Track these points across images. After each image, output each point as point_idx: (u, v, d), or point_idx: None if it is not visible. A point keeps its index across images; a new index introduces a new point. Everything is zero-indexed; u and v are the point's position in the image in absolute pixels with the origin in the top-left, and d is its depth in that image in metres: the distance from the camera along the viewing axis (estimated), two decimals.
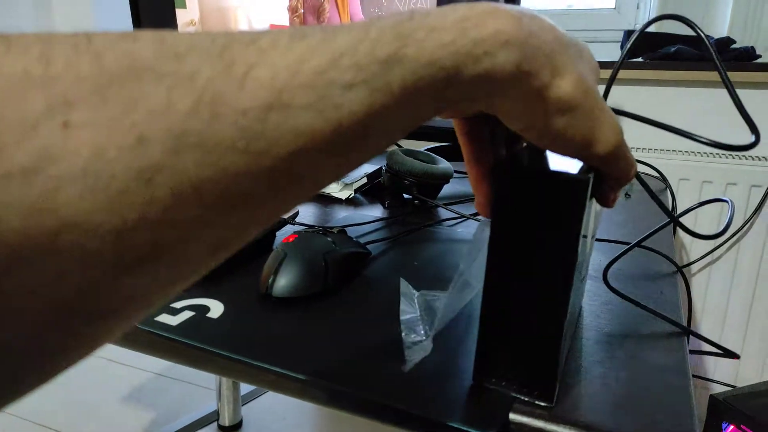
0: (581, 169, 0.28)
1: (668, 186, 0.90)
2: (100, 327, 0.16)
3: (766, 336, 1.15)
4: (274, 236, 0.57)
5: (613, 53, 1.30)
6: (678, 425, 0.31)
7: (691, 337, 0.42)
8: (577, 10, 1.42)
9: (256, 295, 0.45)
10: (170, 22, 0.85)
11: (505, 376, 0.32)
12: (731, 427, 0.93)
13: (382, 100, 0.18)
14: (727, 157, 1.13)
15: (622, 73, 1.17)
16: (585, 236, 0.30)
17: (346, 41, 0.18)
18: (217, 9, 0.84)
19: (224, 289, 0.46)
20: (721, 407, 0.95)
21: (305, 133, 0.17)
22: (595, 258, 0.56)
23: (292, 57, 0.17)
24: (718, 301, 1.17)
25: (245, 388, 1.39)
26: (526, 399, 0.32)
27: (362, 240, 0.57)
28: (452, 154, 0.85)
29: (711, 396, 0.98)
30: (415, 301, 0.43)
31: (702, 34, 0.41)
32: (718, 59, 0.39)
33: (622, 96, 1.22)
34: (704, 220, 1.13)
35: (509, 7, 0.22)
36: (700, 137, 0.32)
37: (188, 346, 0.39)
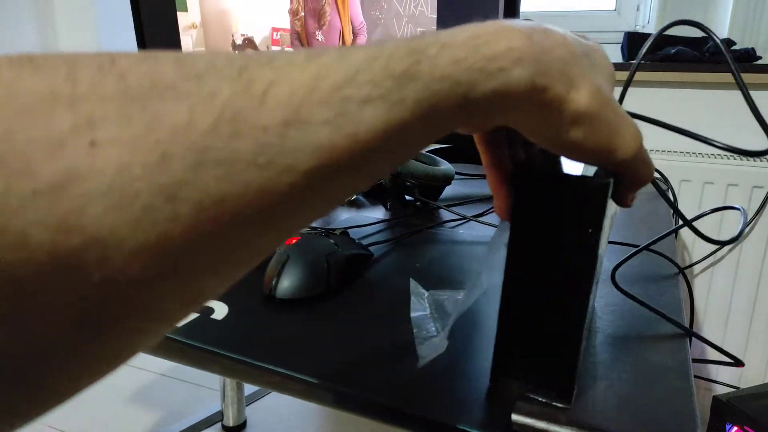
0: (600, 172, 0.28)
1: (670, 187, 0.90)
2: (123, 342, 0.17)
3: None
4: None
5: (614, 55, 1.30)
6: (680, 426, 0.31)
7: (696, 340, 0.42)
8: (578, 12, 1.42)
9: (259, 297, 0.46)
10: (172, 26, 0.86)
11: (522, 376, 0.32)
12: (735, 428, 0.92)
13: (399, 116, 0.19)
14: (728, 158, 1.13)
15: (622, 75, 1.17)
16: (604, 234, 0.30)
17: (361, 58, 0.19)
18: (218, 12, 0.84)
19: (228, 291, 0.46)
20: (725, 408, 0.95)
21: (324, 148, 0.17)
22: None
23: (308, 74, 0.17)
24: (721, 303, 1.17)
25: (249, 388, 1.39)
26: (544, 400, 0.32)
27: (364, 242, 0.57)
28: (453, 155, 0.85)
29: (714, 397, 0.98)
30: (425, 300, 0.43)
31: (717, 40, 0.41)
32: (733, 64, 0.39)
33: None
34: (706, 222, 1.13)
35: (519, 23, 0.22)
36: (718, 142, 0.32)
37: (193, 347, 0.39)
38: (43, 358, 0.15)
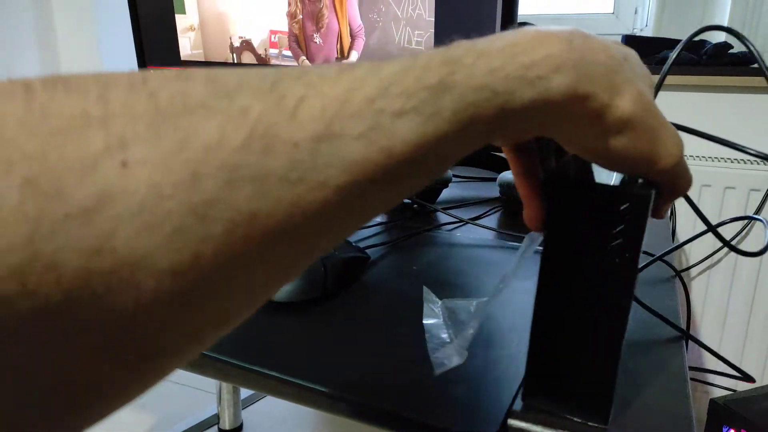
0: (638, 182, 0.26)
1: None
2: (155, 364, 0.16)
3: (766, 340, 1.15)
4: None
5: None
6: (676, 429, 0.31)
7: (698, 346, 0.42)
8: (575, 15, 1.42)
9: None
10: (170, 28, 0.86)
11: (556, 396, 0.31)
12: (731, 431, 0.93)
13: (434, 128, 0.18)
14: (725, 161, 1.13)
15: None
16: None
17: (393, 70, 0.18)
18: (216, 14, 0.84)
19: None
20: (722, 411, 0.95)
21: (357, 162, 0.17)
22: None
23: (341, 88, 0.17)
24: (718, 305, 1.17)
25: (245, 391, 1.39)
26: (579, 420, 0.30)
27: (361, 244, 0.57)
28: None
29: (711, 400, 0.98)
30: (438, 308, 0.43)
31: (750, 45, 0.41)
32: (766, 69, 0.38)
33: None
34: (702, 228, 1.13)
35: (558, 29, 0.21)
36: (748, 148, 0.31)
37: None
38: (76, 382, 0.15)
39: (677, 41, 1.20)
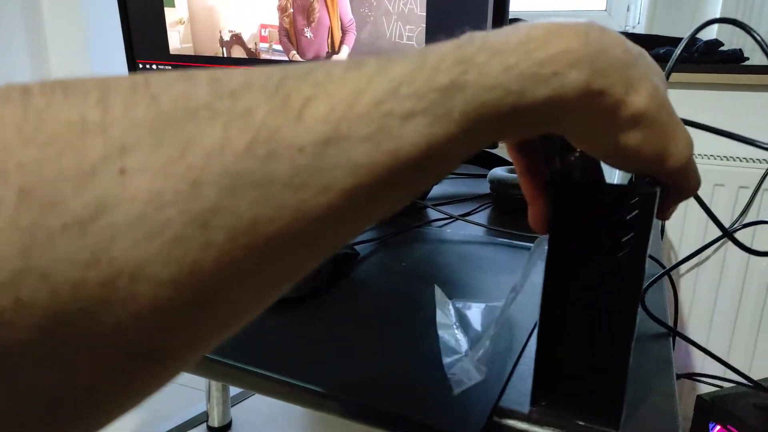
0: (644, 181, 0.26)
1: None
2: (157, 372, 0.16)
3: (753, 336, 1.16)
4: None
5: None
6: (661, 426, 0.31)
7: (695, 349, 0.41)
8: (568, 12, 1.42)
9: None
10: (159, 21, 0.85)
11: (565, 401, 0.30)
12: (718, 427, 0.93)
13: (443, 130, 0.18)
14: (714, 159, 1.14)
15: None
16: None
17: (403, 70, 0.18)
18: (206, 8, 0.83)
19: None
20: (708, 407, 0.96)
21: (364, 166, 0.16)
22: None
23: (348, 88, 0.17)
24: (706, 302, 1.18)
25: (235, 389, 1.38)
26: (589, 425, 0.30)
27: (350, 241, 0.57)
28: None
29: (698, 396, 0.98)
30: (450, 309, 0.42)
31: (758, 37, 0.40)
32: None
33: None
34: (691, 225, 1.14)
35: (575, 22, 0.20)
36: (763, 143, 0.31)
37: None
38: (75, 393, 0.14)
39: (670, 38, 1.20)
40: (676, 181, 0.25)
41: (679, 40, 1.21)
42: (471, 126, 0.18)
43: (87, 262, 0.13)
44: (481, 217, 0.70)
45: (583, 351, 0.29)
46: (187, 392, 1.42)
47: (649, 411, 0.32)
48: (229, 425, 1.32)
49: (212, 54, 0.84)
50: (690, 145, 0.24)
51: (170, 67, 0.87)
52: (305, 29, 0.79)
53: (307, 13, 0.79)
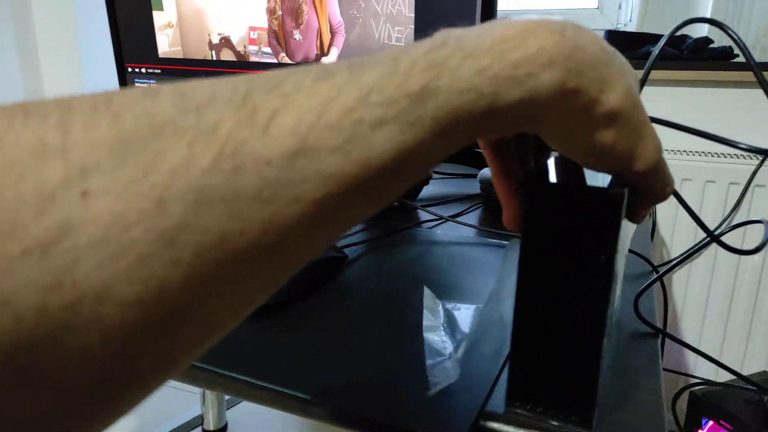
0: (614, 183, 0.26)
1: None
2: (129, 393, 0.16)
3: (745, 332, 1.16)
4: None
5: None
6: (648, 426, 0.31)
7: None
8: (560, 10, 1.42)
9: None
10: (147, 25, 0.85)
11: (539, 401, 0.30)
12: (711, 422, 0.94)
13: (415, 136, 0.18)
14: (705, 155, 1.14)
15: None
16: (620, 250, 0.29)
17: (374, 76, 0.17)
18: (194, 11, 0.83)
19: None
20: (701, 403, 0.96)
21: (334, 176, 0.16)
22: None
23: (317, 98, 0.16)
24: (698, 299, 1.18)
25: None
26: (563, 425, 0.30)
27: (339, 243, 0.57)
28: None
29: (690, 392, 0.99)
30: (440, 311, 0.42)
31: (735, 36, 0.40)
32: (753, 61, 0.38)
33: None
34: (682, 223, 1.14)
35: (551, 20, 0.20)
36: (740, 143, 0.31)
37: None
38: (43, 419, 0.14)
39: (661, 36, 1.20)
40: (645, 184, 0.25)
41: (671, 38, 1.22)
42: (444, 130, 0.18)
43: (49, 286, 0.13)
44: (472, 217, 0.70)
45: (555, 351, 0.29)
46: (182, 395, 1.41)
47: (635, 412, 0.32)
48: (224, 428, 1.32)
49: (201, 57, 0.84)
50: (659, 147, 0.24)
51: (159, 71, 0.87)
52: (294, 31, 0.79)
53: (296, 15, 0.79)
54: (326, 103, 0.16)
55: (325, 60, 0.79)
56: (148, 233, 0.14)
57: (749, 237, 1.11)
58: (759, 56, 1.19)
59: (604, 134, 0.22)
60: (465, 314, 0.42)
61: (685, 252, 0.48)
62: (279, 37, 0.81)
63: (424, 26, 0.69)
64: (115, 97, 0.15)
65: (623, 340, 0.41)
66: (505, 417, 0.31)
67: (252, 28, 0.82)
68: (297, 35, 0.80)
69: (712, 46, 1.16)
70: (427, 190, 0.78)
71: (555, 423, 0.30)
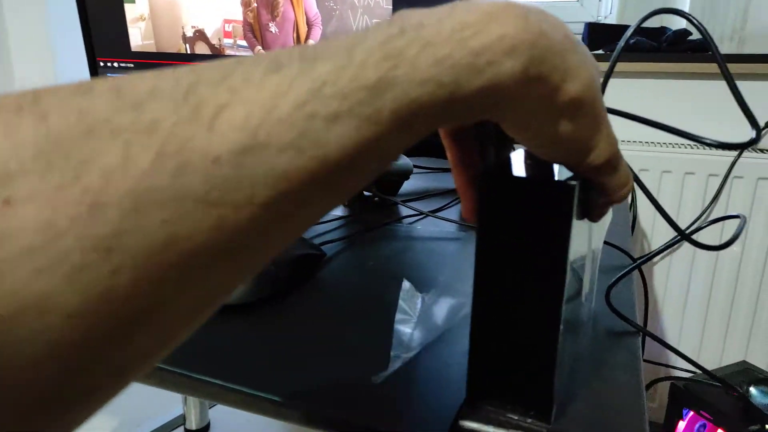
0: (569, 177, 0.26)
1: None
2: (80, 407, 0.15)
3: (724, 324, 1.17)
4: None
5: None
6: (629, 425, 0.31)
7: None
8: (540, 2, 1.42)
9: None
10: (119, 18, 0.82)
11: (499, 396, 0.30)
12: (691, 413, 0.95)
13: (372, 130, 0.17)
14: (684, 147, 1.15)
15: None
16: (579, 245, 0.29)
17: (327, 68, 0.16)
18: (167, 3, 0.81)
19: None
20: (682, 394, 0.97)
21: (287, 174, 0.15)
22: None
23: (267, 92, 0.15)
24: (678, 292, 1.19)
25: None
26: (522, 419, 0.30)
27: (317, 240, 0.56)
28: (412, 149, 0.84)
29: (672, 384, 1.00)
30: (416, 304, 0.42)
31: (701, 27, 0.40)
32: (719, 55, 0.37)
33: None
34: (661, 217, 1.14)
35: (514, 4, 0.19)
36: (704, 138, 0.31)
37: None
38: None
39: (641, 28, 1.21)
40: (599, 180, 0.25)
41: (650, 30, 1.22)
42: (403, 122, 0.17)
43: None
44: (453, 212, 0.69)
45: (512, 346, 0.29)
46: (164, 395, 1.40)
47: (615, 410, 0.32)
48: (207, 427, 1.31)
49: (175, 50, 0.82)
50: (614, 143, 0.24)
51: (132, 65, 0.85)
52: (270, 24, 0.77)
53: (272, 7, 0.78)
54: (277, 96, 0.15)
55: None
56: (81, 240, 0.13)
57: (728, 230, 1.12)
58: (736, 48, 1.20)
59: (564, 124, 0.22)
60: (442, 307, 0.42)
61: (659, 248, 0.48)
62: (255, 30, 0.79)
63: None
64: (44, 95, 0.14)
65: (600, 333, 0.40)
66: (468, 411, 0.31)
67: (227, 21, 0.80)
68: (273, 28, 0.78)
69: (690, 38, 1.17)
70: (408, 185, 0.77)
71: (514, 417, 0.30)
